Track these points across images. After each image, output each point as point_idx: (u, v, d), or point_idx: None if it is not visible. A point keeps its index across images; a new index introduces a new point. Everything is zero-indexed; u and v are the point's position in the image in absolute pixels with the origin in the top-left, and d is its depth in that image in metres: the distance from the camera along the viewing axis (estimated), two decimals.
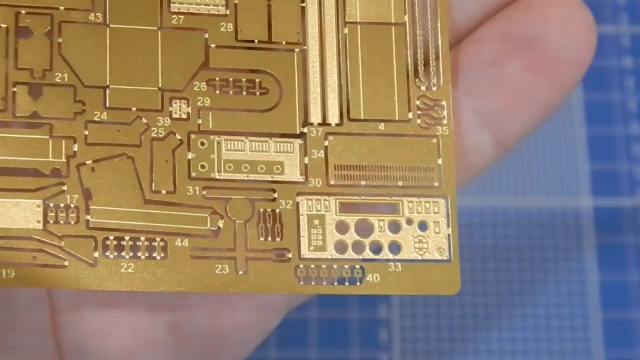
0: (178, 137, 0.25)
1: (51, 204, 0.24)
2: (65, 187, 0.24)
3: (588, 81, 0.45)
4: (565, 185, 0.44)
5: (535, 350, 0.42)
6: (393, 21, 0.26)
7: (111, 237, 0.24)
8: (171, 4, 0.25)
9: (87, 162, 0.25)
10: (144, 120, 0.25)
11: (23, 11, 0.25)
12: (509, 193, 0.44)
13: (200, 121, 0.25)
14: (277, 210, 0.25)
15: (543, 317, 0.43)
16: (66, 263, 0.24)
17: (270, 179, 0.25)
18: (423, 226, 0.26)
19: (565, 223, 0.44)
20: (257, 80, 0.25)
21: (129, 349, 0.26)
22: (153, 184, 0.25)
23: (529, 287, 0.43)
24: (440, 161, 0.26)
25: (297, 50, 0.26)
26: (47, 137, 0.24)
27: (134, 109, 0.25)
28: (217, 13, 0.25)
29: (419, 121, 0.26)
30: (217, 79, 0.25)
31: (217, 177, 0.25)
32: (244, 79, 0.25)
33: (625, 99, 0.45)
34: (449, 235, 0.26)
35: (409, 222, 0.26)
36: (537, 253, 0.43)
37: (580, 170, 0.44)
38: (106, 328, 0.26)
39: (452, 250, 0.25)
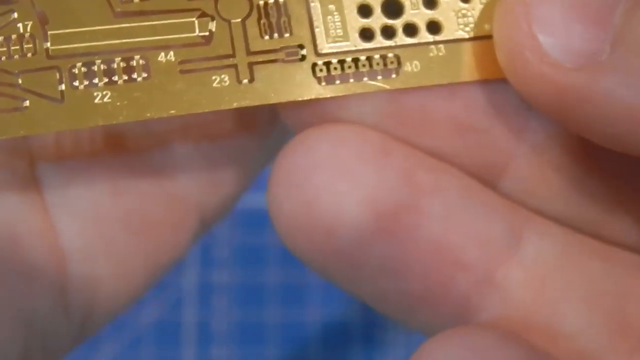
0: None
1: (0, 38, 0.18)
2: (15, 15, 0.18)
3: None
4: None
5: None
6: None
7: (78, 64, 0.18)
8: None
9: None
10: None
11: None
12: None
13: None
14: (281, 1, 0.19)
15: None
16: (27, 103, 0.18)
17: None
18: None
19: None
20: None
21: None
22: None
23: None
24: None
25: None
26: None
27: None
28: None
29: None
30: None
31: None
32: None
33: None
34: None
35: None
36: None
37: None
38: None
39: None
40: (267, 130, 0.21)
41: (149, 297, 0.51)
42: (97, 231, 0.20)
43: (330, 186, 0.18)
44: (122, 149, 0.20)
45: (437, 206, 0.18)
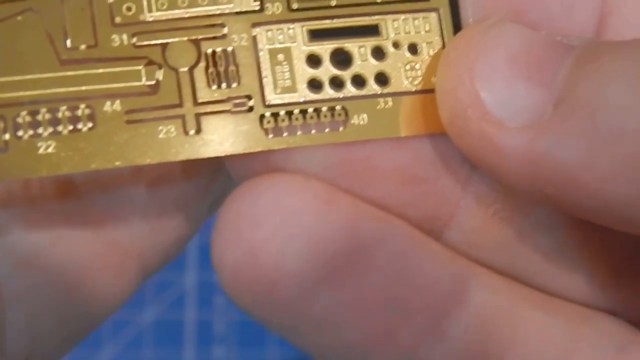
0: None
1: None
2: None
3: None
4: None
5: None
6: None
7: (23, 113, 0.18)
8: None
9: None
10: None
11: None
12: None
13: None
14: (230, 49, 0.18)
15: None
16: None
17: (216, 11, 0.18)
18: (414, 49, 0.19)
19: None
20: None
21: None
22: (68, 39, 0.18)
23: None
24: None
25: None
26: None
27: None
28: None
29: None
30: None
31: (149, 18, 0.18)
32: None
33: None
34: None
35: (396, 45, 0.19)
36: None
37: None
38: None
39: None
40: (211, 176, 0.21)
41: (149, 296, 0.51)
42: (36, 277, 0.20)
43: (274, 237, 0.17)
44: (63, 193, 0.20)
45: (382, 257, 0.18)
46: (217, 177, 0.21)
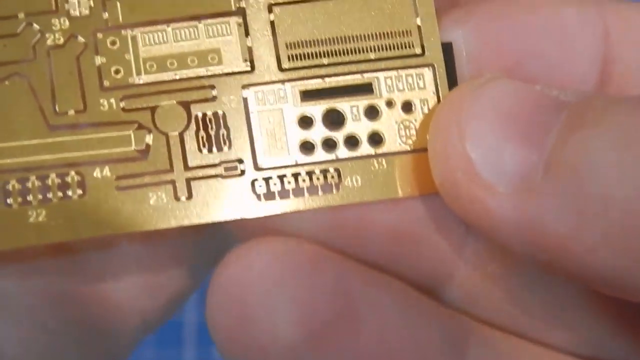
0: (81, 39, 0.18)
1: None
2: None
3: None
4: None
5: None
6: None
7: (12, 181, 0.17)
8: None
9: None
10: (36, 27, 0.18)
11: None
12: None
13: (106, 15, 0.18)
14: (220, 112, 0.18)
15: None
16: None
17: (206, 73, 0.18)
18: (408, 107, 0.18)
19: None
20: None
21: None
22: (57, 104, 0.18)
23: None
24: (419, 21, 0.18)
25: None
26: None
27: (20, 14, 0.18)
28: None
29: None
30: None
31: (138, 81, 0.18)
32: None
33: None
34: None
35: (390, 104, 0.18)
36: None
37: None
38: None
39: None
40: (209, 232, 0.21)
41: None
42: (36, 338, 0.20)
43: (265, 303, 0.17)
44: (57, 251, 0.20)
45: (373, 318, 0.18)
46: (215, 231, 0.21)
